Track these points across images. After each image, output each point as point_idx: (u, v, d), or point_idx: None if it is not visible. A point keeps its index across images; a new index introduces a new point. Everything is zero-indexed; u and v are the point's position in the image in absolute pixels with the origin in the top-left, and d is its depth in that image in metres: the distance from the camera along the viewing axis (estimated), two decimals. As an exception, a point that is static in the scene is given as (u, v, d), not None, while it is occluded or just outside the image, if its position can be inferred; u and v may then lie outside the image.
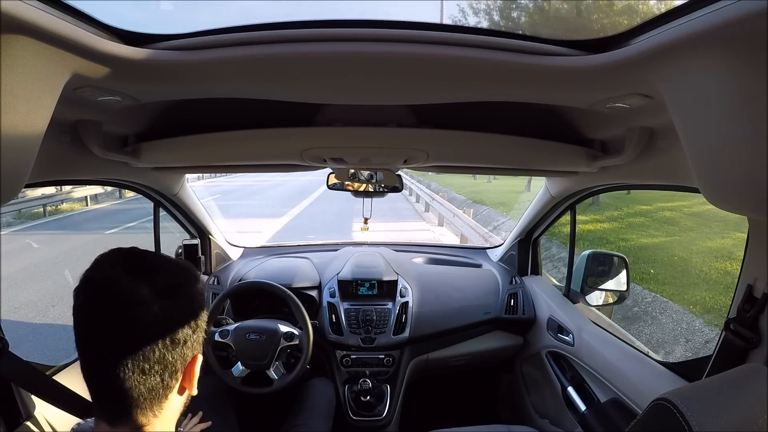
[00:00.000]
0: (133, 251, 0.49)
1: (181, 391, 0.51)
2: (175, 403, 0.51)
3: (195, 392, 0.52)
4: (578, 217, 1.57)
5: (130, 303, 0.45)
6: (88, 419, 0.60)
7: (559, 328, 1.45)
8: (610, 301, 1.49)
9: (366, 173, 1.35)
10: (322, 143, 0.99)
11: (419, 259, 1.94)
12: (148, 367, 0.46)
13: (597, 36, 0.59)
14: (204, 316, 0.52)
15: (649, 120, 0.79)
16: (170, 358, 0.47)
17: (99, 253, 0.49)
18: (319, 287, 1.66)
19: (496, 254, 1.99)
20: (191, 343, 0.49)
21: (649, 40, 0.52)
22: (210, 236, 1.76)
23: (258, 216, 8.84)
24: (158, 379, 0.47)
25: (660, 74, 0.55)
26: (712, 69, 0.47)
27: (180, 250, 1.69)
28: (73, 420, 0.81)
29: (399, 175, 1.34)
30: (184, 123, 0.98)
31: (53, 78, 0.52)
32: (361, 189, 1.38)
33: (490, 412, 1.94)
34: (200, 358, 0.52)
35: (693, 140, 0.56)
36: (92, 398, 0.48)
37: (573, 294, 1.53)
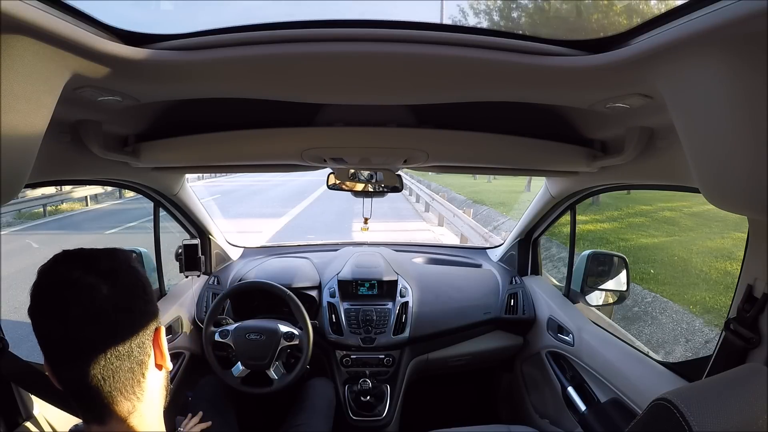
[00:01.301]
0: (67, 251, 0.50)
1: (157, 368, 0.52)
2: (154, 383, 0.52)
3: (170, 366, 0.54)
4: (578, 217, 1.57)
5: (83, 289, 0.46)
6: None
7: (559, 328, 1.44)
8: (610, 301, 1.49)
9: (366, 173, 1.35)
10: (322, 143, 0.99)
11: (419, 259, 1.94)
12: (120, 348, 0.47)
13: (597, 36, 0.59)
14: (151, 288, 0.54)
15: (649, 120, 0.79)
16: (136, 333, 0.49)
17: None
18: (319, 287, 1.66)
19: (496, 254, 1.99)
20: (149, 316, 0.51)
21: (649, 40, 0.52)
22: (210, 236, 1.76)
23: (258, 216, 8.84)
24: (133, 359, 0.48)
25: (660, 74, 0.55)
26: (712, 69, 0.47)
27: (180, 250, 1.69)
28: (72, 420, 0.81)
29: (399, 175, 1.34)
30: (184, 123, 0.98)
31: (53, 78, 0.52)
32: (361, 189, 1.38)
33: (490, 412, 1.94)
34: (163, 329, 0.54)
35: (693, 140, 0.56)
36: (76, 402, 0.48)
37: (573, 294, 1.53)
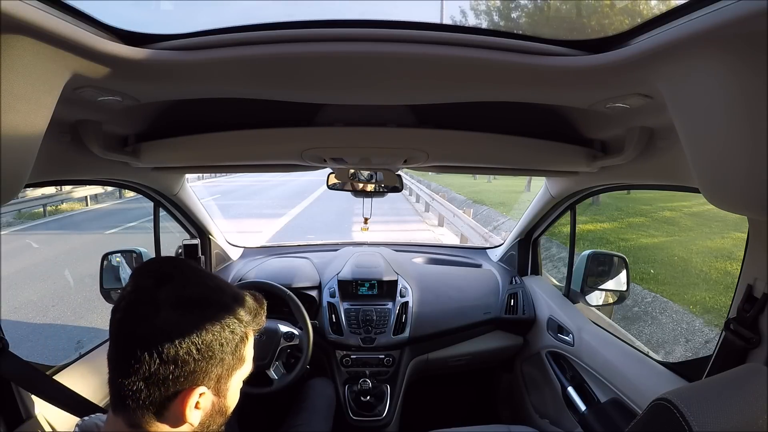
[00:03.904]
0: (170, 258, 0.51)
1: (174, 422, 0.48)
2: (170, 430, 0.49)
3: (195, 423, 0.49)
4: (578, 217, 1.57)
5: (141, 302, 0.46)
6: (91, 416, 0.61)
7: (559, 328, 1.44)
8: (610, 301, 1.49)
9: (366, 173, 1.35)
10: (322, 143, 0.99)
11: (419, 259, 1.94)
12: (131, 370, 0.45)
13: (597, 36, 0.59)
14: (228, 357, 0.49)
15: (649, 120, 0.79)
16: (160, 371, 0.45)
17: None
18: (319, 287, 1.66)
19: (496, 254, 1.99)
20: (191, 370, 0.46)
21: (649, 40, 0.52)
22: (210, 236, 1.76)
23: (258, 216, 8.84)
24: (143, 385, 0.45)
25: (660, 74, 0.55)
26: (712, 69, 0.47)
27: (180, 250, 1.69)
28: (73, 420, 0.81)
29: (399, 175, 1.34)
30: (184, 123, 0.98)
31: (53, 78, 0.52)
32: (361, 189, 1.38)
33: (490, 412, 1.94)
34: (207, 396, 0.49)
35: (693, 140, 0.56)
36: (111, 394, 0.50)
37: (573, 294, 1.53)
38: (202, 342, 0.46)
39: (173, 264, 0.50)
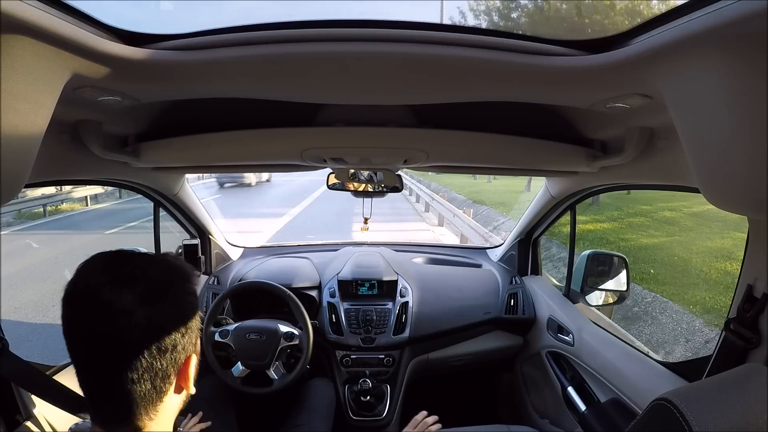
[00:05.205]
0: (117, 254, 0.47)
1: (178, 390, 0.51)
2: (171, 404, 0.51)
3: (193, 391, 0.52)
4: (578, 217, 1.57)
5: (112, 314, 0.43)
6: (85, 420, 0.61)
7: (559, 328, 1.44)
8: (610, 301, 1.49)
9: (366, 173, 1.35)
10: (322, 143, 0.99)
11: (419, 259, 1.94)
12: (136, 376, 0.45)
13: (597, 36, 0.59)
14: (196, 317, 0.51)
15: (649, 120, 0.79)
16: (159, 365, 0.46)
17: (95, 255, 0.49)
18: (319, 287, 1.66)
19: (496, 254, 1.99)
20: (182, 347, 0.48)
21: (649, 40, 0.52)
22: (210, 236, 1.76)
23: (258, 216, 8.84)
24: (149, 386, 0.46)
25: (660, 74, 0.55)
26: (712, 69, 0.47)
27: (180, 250, 1.69)
28: (73, 420, 0.81)
29: (399, 175, 1.34)
30: (184, 123, 0.98)
31: (53, 78, 0.52)
32: (361, 189, 1.38)
33: (490, 412, 1.94)
34: (194, 359, 0.51)
35: (693, 140, 0.56)
36: (87, 401, 0.48)
37: (573, 294, 1.53)
38: (180, 321, 0.48)
39: (121, 261, 0.47)
